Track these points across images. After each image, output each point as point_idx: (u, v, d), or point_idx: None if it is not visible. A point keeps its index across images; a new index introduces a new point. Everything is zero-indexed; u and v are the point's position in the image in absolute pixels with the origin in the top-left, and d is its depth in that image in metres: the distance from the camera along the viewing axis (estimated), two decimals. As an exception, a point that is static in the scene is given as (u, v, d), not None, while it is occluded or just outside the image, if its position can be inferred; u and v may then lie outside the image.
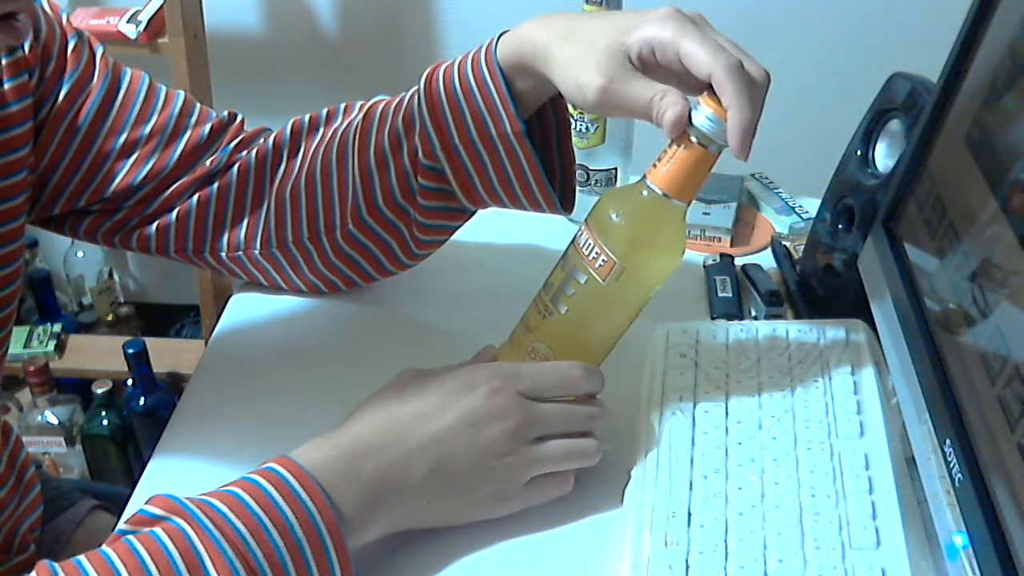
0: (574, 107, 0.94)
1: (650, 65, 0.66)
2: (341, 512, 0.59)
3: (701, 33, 0.64)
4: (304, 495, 0.58)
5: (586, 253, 0.65)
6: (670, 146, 0.64)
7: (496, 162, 0.74)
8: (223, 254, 0.84)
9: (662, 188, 0.64)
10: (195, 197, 0.82)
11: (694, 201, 0.61)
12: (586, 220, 0.67)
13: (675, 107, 0.63)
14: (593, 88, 0.66)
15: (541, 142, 0.77)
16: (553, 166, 0.78)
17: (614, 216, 0.65)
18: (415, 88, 0.76)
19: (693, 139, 0.62)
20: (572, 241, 0.67)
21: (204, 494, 0.58)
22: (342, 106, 0.83)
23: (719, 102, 0.62)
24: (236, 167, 0.82)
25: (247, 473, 0.59)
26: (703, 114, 0.62)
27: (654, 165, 0.64)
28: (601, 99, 0.66)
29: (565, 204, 0.78)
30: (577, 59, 0.66)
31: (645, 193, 0.64)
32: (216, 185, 0.82)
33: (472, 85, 0.72)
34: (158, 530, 0.56)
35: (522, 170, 0.74)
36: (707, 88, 0.63)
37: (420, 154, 0.75)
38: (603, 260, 0.65)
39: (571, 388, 0.66)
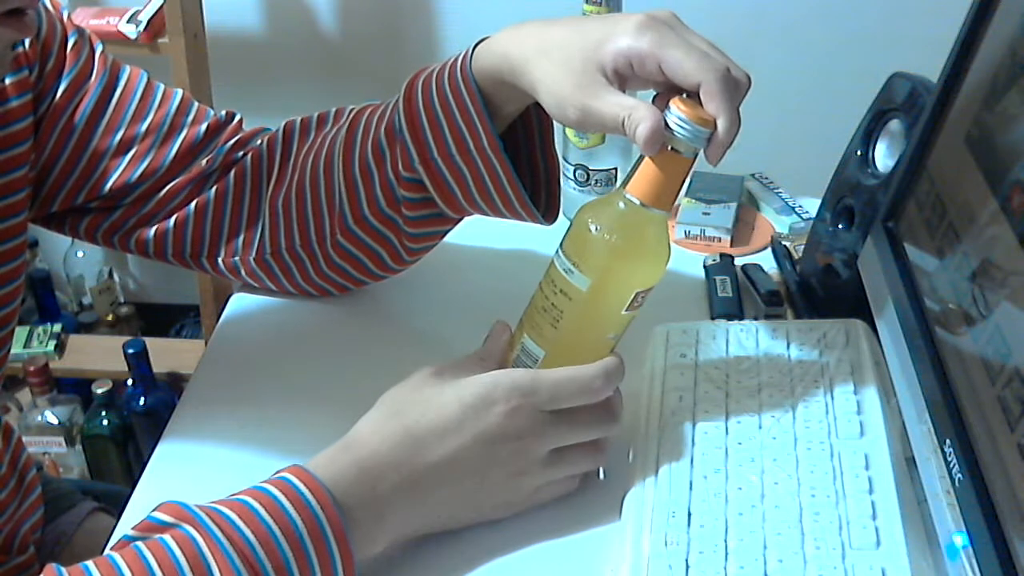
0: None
1: (627, 77, 0.64)
2: (351, 526, 0.58)
3: (682, 40, 0.62)
4: (316, 505, 0.57)
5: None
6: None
7: (475, 175, 0.73)
8: (220, 259, 0.84)
9: (640, 198, 0.62)
10: (192, 204, 0.82)
11: (695, 201, 0.60)
12: (562, 242, 0.65)
13: (646, 122, 0.60)
14: (574, 107, 0.64)
15: (526, 147, 0.76)
16: (538, 172, 0.77)
17: (594, 230, 0.63)
18: (398, 96, 0.75)
19: (668, 146, 0.61)
20: (551, 263, 0.65)
21: (214, 502, 0.58)
22: (332, 111, 0.82)
23: (693, 107, 0.60)
24: (232, 172, 0.82)
25: (258, 482, 0.59)
26: (678, 120, 0.60)
27: (629, 175, 0.63)
28: (581, 117, 0.64)
29: (549, 213, 0.77)
30: (556, 76, 0.65)
31: (622, 205, 0.63)
32: (214, 190, 0.82)
33: (449, 99, 0.71)
34: (167, 537, 0.56)
35: (501, 183, 0.73)
36: (680, 92, 0.62)
37: (401, 166, 0.75)
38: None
39: (593, 397, 0.65)
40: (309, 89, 1.93)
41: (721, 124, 0.60)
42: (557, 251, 0.65)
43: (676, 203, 0.62)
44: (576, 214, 0.65)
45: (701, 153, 0.62)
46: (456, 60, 0.72)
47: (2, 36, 0.62)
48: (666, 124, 0.61)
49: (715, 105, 0.60)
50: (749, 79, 0.63)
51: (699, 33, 0.64)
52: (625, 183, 0.63)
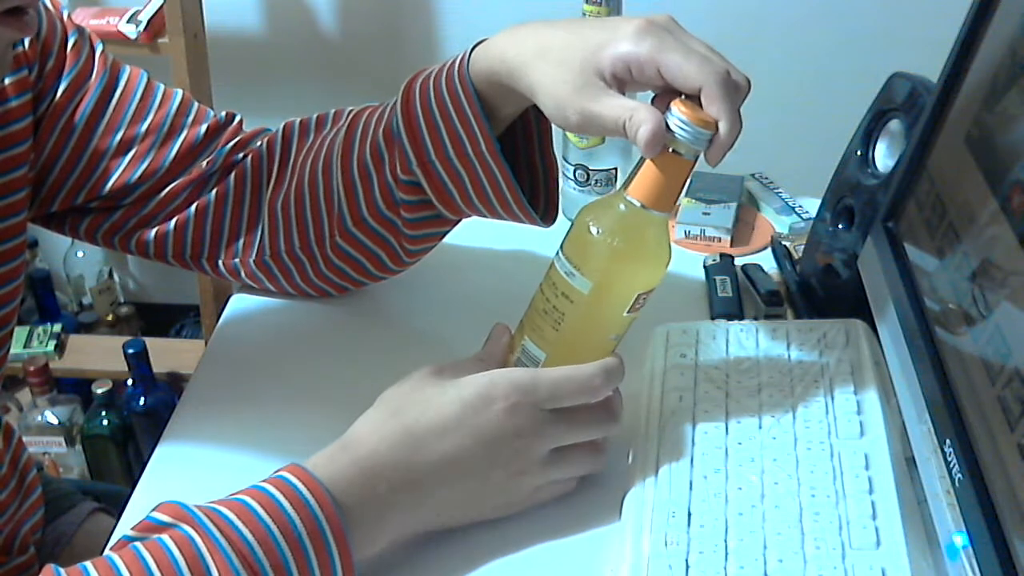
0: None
1: (625, 81, 0.64)
2: (351, 526, 0.58)
3: (681, 44, 0.62)
4: (315, 504, 0.57)
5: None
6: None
7: (473, 178, 0.73)
8: (220, 261, 0.84)
9: (640, 200, 0.62)
10: (193, 206, 0.82)
11: (695, 201, 0.60)
12: (563, 244, 0.65)
13: (648, 124, 0.60)
14: (574, 110, 0.64)
15: (525, 149, 0.76)
16: (537, 174, 0.77)
17: (595, 233, 0.63)
18: (397, 98, 0.75)
19: (669, 148, 0.61)
20: (552, 265, 0.65)
21: (213, 502, 0.58)
22: (331, 113, 0.82)
23: (694, 109, 0.60)
24: (232, 175, 0.82)
25: (257, 482, 0.59)
26: (679, 122, 0.60)
27: (630, 177, 0.63)
28: (582, 121, 0.64)
29: (547, 215, 0.77)
30: (555, 79, 0.65)
31: (623, 207, 0.62)
32: (214, 193, 0.82)
33: (447, 103, 0.71)
34: (165, 537, 0.56)
35: (499, 187, 0.73)
36: (679, 95, 0.62)
37: (399, 169, 0.75)
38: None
39: (592, 396, 0.65)
40: (309, 89, 1.93)
41: (723, 127, 0.60)
42: (558, 253, 0.65)
43: (676, 204, 0.62)
44: (576, 216, 0.65)
45: (700, 155, 0.62)
46: (454, 63, 0.71)
47: (2, 36, 0.62)
48: (667, 126, 0.61)
49: (716, 108, 0.60)
50: (749, 82, 0.63)
51: (697, 36, 0.64)
52: (626, 185, 0.63)
